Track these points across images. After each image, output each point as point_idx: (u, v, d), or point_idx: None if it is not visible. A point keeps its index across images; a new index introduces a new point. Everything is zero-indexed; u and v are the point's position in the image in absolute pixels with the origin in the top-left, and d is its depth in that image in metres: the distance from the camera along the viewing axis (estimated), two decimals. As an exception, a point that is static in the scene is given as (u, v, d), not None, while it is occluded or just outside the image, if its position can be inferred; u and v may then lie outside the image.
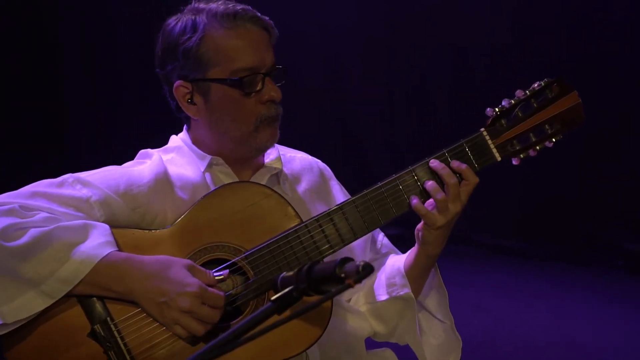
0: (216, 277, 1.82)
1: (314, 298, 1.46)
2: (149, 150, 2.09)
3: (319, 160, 2.24)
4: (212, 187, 2.00)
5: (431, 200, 1.91)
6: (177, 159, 2.05)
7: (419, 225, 1.96)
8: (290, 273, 1.58)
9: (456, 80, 5.53)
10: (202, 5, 2.01)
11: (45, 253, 1.75)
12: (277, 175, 2.09)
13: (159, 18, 2.10)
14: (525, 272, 5.26)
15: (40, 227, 1.77)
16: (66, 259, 1.76)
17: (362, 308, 2.13)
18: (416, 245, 2.00)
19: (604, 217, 5.32)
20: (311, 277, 1.47)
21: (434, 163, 1.91)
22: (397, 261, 2.08)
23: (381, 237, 2.21)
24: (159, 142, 2.17)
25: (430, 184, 1.91)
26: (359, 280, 1.31)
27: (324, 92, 5.66)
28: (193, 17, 1.98)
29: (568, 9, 5.18)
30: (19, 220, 1.77)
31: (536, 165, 2.00)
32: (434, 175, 1.92)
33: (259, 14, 2.01)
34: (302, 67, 5.26)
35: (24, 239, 1.75)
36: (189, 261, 1.83)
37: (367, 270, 1.31)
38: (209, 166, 2.03)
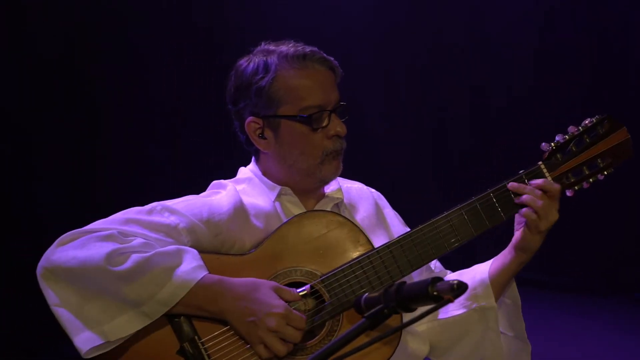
0: (300, 293, 1.96)
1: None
2: (221, 181, 2.24)
3: (373, 190, 2.38)
4: (282, 215, 2.15)
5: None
6: (249, 189, 2.20)
7: (518, 234, 2.10)
8: (375, 293, 1.72)
9: (476, 121, 5.70)
10: (272, 47, 2.17)
11: (145, 277, 1.89)
12: (338, 205, 2.24)
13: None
14: (544, 303, 5.36)
15: (141, 253, 1.91)
16: (165, 283, 1.89)
17: (420, 327, 2.24)
18: (510, 254, 2.13)
19: (622, 250, 5.45)
20: (400, 296, 1.60)
21: (512, 185, 2.06)
22: (479, 273, 2.18)
23: (434, 262, 2.34)
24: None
25: (525, 197, 2.05)
26: (457, 296, 1.45)
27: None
28: (265, 58, 2.14)
29: (590, 50, 5.37)
30: (119, 245, 1.92)
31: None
32: (478, 213, 2.06)
33: (326, 55, 2.17)
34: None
35: (127, 264, 1.89)
36: (274, 283, 1.97)
37: (463, 287, 1.45)
38: (279, 196, 2.18)
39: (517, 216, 2.11)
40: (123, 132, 5.32)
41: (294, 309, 1.96)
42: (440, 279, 1.54)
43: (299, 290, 1.98)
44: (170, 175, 5.34)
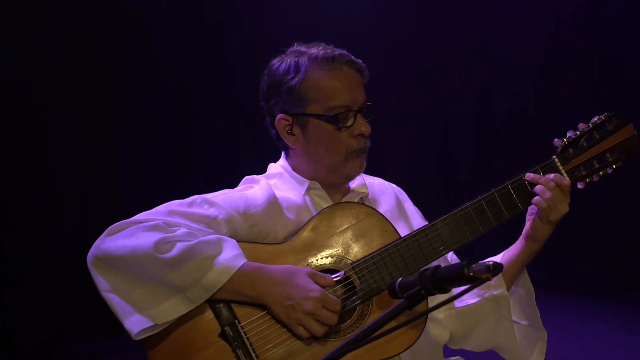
0: (335, 279, 2.10)
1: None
2: (254, 176, 2.36)
3: (394, 185, 2.52)
4: (312, 208, 2.28)
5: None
6: (280, 183, 2.33)
7: (529, 224, 2.25)
8: (409, 278, 1.85)
9: (476, 122, 5.84)
10: (303, 49, 2.30)
11: (190, 264, 2.01)
12: (363, 199, 2.37)
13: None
14: (545, 303, 5.49)
15: (185, 242, 2.03)
16: (208, 269, 2.02)
17: (439, 315, 2.38)
18: (521, 243, 2.28)
19: (621, 251, 5.64)
20: (436, 278, 1.74)
21: (529, 176, 2.21)
22: None
23: (451, 254, 2.48)
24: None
25: (538, 187, 2.20)
26: (494, 275, 1.59)
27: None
28: (296, 59, 2.27)
29: (590, 51, 5.53)
30: (165, 235, 2.04)
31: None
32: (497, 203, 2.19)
33: (354, 58, 2.30)
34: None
35: (174, 251, 2.01)
36: (310, 269, 2.10)
37: (499, 268, 1.59)
38: (308, 190, 2.31)
39: (530, 207, 2.25)
40: (123, 133, 5.41)
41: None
42: (474, 262, 1.68)
43: (333, 276, 2.11)
44: (171, 174, 5.43)
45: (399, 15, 5.80)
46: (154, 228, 2.04)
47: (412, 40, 5.83)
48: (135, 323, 2.00)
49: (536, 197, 2.19)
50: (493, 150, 5.76)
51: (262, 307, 2.08)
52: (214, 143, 5.62)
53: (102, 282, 2.03)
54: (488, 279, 1.60)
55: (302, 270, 2.09)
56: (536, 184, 2.21)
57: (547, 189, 2.19)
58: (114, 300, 2.02)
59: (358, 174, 2.32)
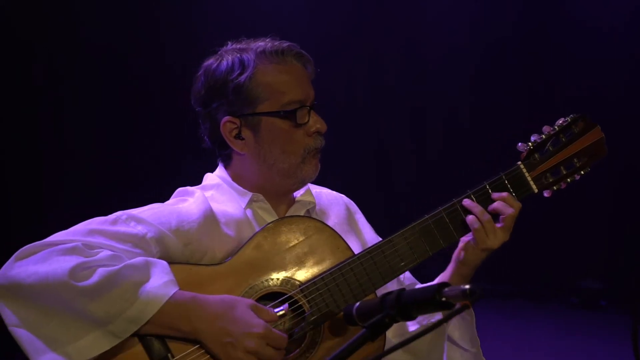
0: (278, 314, 1.84)
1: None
2: (188, 188, 2.09)
3: (343, 195, 2.28)
4: (254, 223, 2.03)
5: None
6: (217, 195, 2.07)
7: (460, 246, 2.04)
8: (369, 302, 1.63)
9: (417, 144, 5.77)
10: (244, 45, 2.05)
11: (113, 293, 1.74)
12: (310, 210, 2.13)
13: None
14: (487, 310, 5.48)
15: (108, 267, 1.76)
16: (134, 299, 1.75)
17: (394, 339, 2.16)
18: (451, 267, 2.07)
19: (560, 259, 5.67)
20: (401, 303, 1.52)
21: (466, 202, 2.00)
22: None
23: (406, 273, 2.26)
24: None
25: (470, 218, 1.99)
26: (473, 302, 1.37)
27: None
28: (239, 55, 2.02)
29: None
30: (84, 259, 1.76)
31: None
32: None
33: (303, 51, 2.07)
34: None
35: (94, 278, 1.74)
36: (252, 301, 1.84)
37: (478, 293, 1.37)
38: (250, 203, 2.05)
39: None
40: (107, 137, 5.29)
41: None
42: (447, 284, 1.46)
43: (276, 310, 1.86)
44: (158, 181, 5.17)
45: (334, 16, 5.67)
46: (71, 251, 1.76)
47: (347, 43, 5.71)
48: None
49: (470, 216, 1.99)
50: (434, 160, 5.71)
51: (198, 341, 1.82)
52: (156, 151, 5.42)
53: (9, 316, 1.74)
54: (467, 307, 1.38)
55: (243, 301, 1.83)
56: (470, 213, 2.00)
57: (477, 218, 1.98)
58: (23, 336, 1.73)
59: (314, 176, 2.08)
